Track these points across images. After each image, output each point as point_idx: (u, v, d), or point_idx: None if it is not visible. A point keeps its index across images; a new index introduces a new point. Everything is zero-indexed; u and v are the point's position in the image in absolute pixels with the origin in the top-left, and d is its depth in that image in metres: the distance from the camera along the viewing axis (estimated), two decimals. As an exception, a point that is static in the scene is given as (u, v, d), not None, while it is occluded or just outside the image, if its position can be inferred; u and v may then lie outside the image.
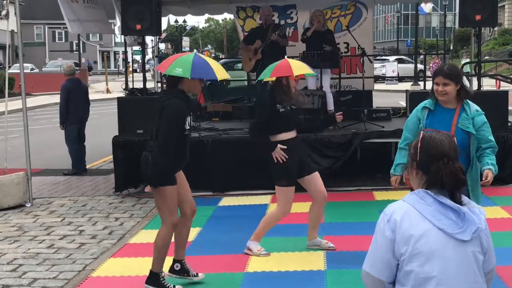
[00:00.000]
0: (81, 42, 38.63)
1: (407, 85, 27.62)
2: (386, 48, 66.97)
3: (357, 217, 7.53)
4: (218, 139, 9.17)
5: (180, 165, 5.16)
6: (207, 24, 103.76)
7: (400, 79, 33.33)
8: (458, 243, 2.56)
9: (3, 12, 10.21)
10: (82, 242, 6.94)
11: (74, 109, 10.99)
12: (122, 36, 10.87)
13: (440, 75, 4.70)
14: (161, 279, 5.21)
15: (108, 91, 34.26)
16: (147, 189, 5.13)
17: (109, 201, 8.93)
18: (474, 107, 4.79)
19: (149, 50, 17.08)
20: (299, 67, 6.00)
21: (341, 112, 6.35)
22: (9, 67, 20.43)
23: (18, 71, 9.22)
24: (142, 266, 5.76)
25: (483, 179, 4.60)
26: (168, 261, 5.41)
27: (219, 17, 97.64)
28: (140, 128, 8.95)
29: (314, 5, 12.21)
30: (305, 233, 6.36)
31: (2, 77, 29.28)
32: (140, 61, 12.28)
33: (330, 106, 10.10)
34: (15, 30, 10.00)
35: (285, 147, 5.85)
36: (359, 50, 10.40)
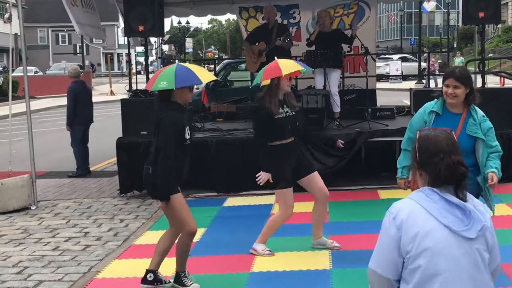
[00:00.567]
0: (84, 44, 38.68)
1: (411, 84, 27.62)
2: (389, 46, 66.81)
3: (362, 216, 7.51)
4: (222, 140, 9.17)
5: (181, 175, 5.17)
6: (210, 25, 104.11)
7: (404, 77, 33.33)
8: (464, 241, 2.55)
9: (6, 16, 10.23)
10: (87, 244, 6.95)
11: (81, 111, 11.03)
12: (125, 38, 10.86)
13: (452, 78, 4.67)
14: (183, 278, 5.31)
15: (112, 93, 34.28)
16: (158, 204, 5.17)
17: (113, 202, 8.93)
18: (480, 112, 4.78)
19: (153, 52, 17.07)
20: (287, 66, 5.88)
21: (343, 142, 6.58)
22: (13, 70, 20.52)
23: (22, 74, 9.24)
24: (148, 267, 5.74)
25: (489, 181, 4.60)
26: (167, 263, 5.41)
27: (222, 18, 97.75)
28: (144, 130, 8.92)
29: (317, 5, 12.19)
30: (309, 232, 6.34)
31: (6, 80, 29.35)
32: (144, 62, 12.28)
33: (336, 108, 10.02)
34: (19, 33, 10.02)
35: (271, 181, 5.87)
36: (362, 49, 10.34)
